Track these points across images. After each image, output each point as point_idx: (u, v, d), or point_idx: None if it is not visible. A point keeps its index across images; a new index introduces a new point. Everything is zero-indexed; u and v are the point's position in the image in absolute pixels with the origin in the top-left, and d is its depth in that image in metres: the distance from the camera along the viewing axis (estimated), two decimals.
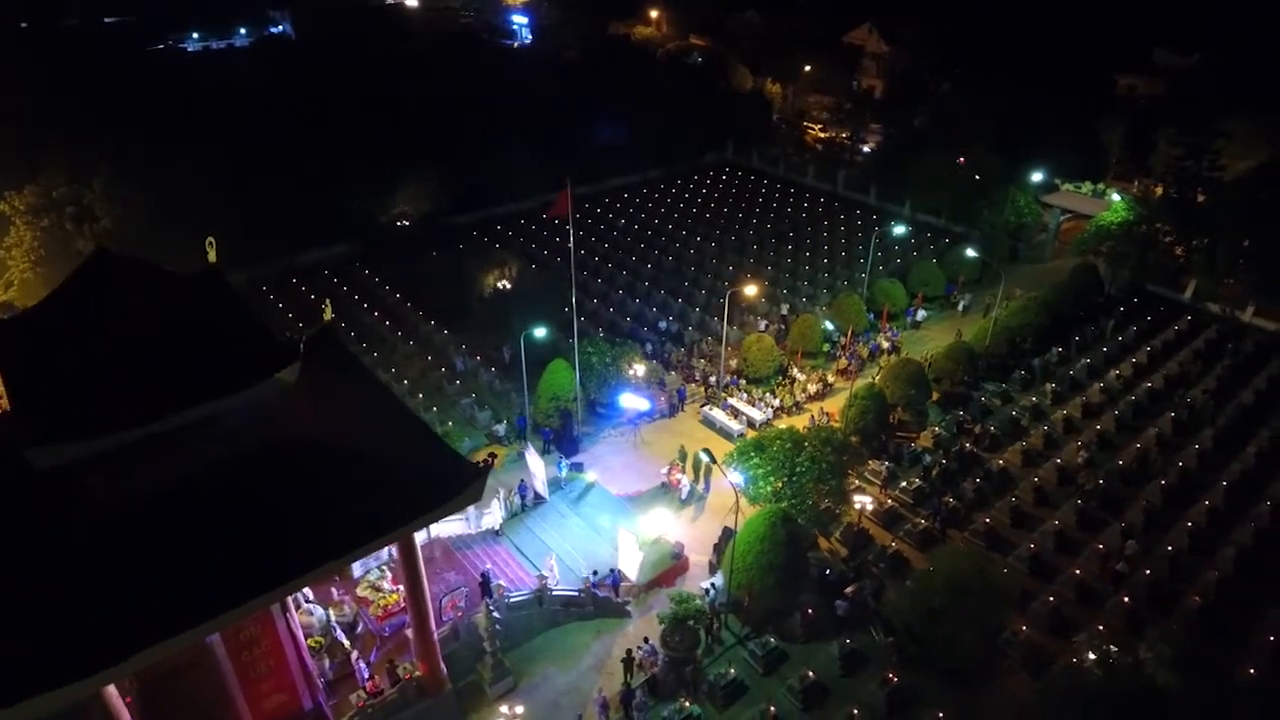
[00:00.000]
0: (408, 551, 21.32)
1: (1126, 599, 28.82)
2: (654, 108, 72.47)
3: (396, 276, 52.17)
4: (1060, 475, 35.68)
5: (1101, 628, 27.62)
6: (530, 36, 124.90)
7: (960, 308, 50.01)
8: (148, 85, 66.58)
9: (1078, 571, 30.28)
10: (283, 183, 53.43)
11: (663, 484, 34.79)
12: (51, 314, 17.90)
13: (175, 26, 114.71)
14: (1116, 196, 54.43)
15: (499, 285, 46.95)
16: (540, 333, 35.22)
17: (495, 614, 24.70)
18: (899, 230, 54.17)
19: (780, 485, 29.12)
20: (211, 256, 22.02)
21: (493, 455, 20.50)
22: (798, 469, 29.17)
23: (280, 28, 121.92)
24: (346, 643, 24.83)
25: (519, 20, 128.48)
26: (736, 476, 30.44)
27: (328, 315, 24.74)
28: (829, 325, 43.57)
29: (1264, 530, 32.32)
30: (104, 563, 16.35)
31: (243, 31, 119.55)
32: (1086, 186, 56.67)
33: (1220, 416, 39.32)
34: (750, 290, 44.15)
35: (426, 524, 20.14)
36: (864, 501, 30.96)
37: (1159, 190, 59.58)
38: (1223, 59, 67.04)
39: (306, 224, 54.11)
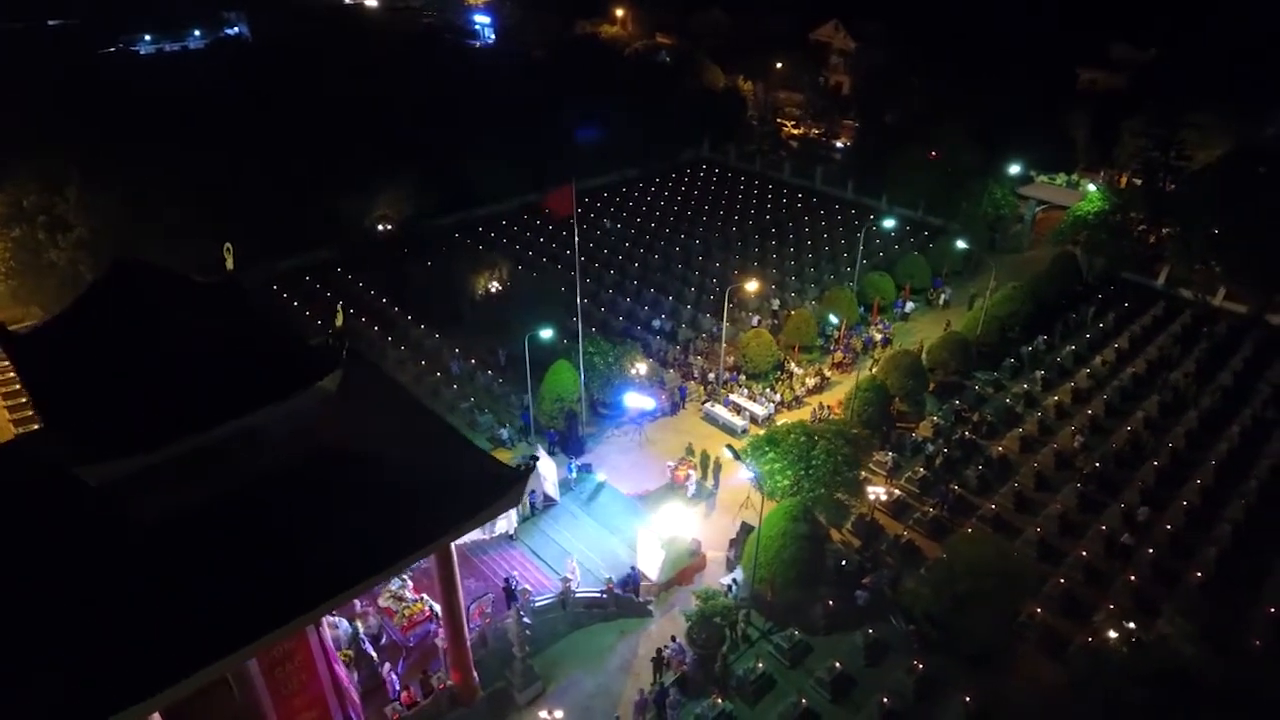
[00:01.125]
0: (444, 559, 20.95)
1: (1133, 578, 29.65)
2: (628, 107, 72.36)
3: (381, 281, 51.32)
4: (1058, 460, 36.53)
5: (1112, 607, 28.37)
6: (493, 36, 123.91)
7: (942, 301, 50.73)
8: (108, 89, 64.48)
9: (1084, 553, 31.01)
10: (259, 187, 52.17)
11: (668, 483, 34.65)
12: (76, 326, 17.16)
13: (125, 29, 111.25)
14: (1092, 187, 55.87)
15: (490, 287, 46.42)
16: (547, 334, 34.89)
17: (525, 619, 24.43)
18: (889, 223, 54.84)
19: (797, 479, 29.26)
20: (229, 263, 21.39)
21: (534, 458, 20.24)
22: (813, 462, 29.38)
23: (235, 29, 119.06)
24: (374, 655, 24.36)
25: (481, 20, 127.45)
26: (750, 472, 30.60)
27: (340, 321, 24.14)
28: (833, 319, 43.86)
29: (1254, 507, 33.49)
30: (147, 583, 15.78)
31: (197, 34, 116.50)
32: (1060, 178, 58.04)
33: (1203, 398, 40.63)
34: (752, 286, 44.19)
35: (469, 530, 19.81)
36: (877, 492, 31.31)
37: (1124, 180, 61.36)
38: (1181, 53, 69.03)
39: (286, 229, 52.86)
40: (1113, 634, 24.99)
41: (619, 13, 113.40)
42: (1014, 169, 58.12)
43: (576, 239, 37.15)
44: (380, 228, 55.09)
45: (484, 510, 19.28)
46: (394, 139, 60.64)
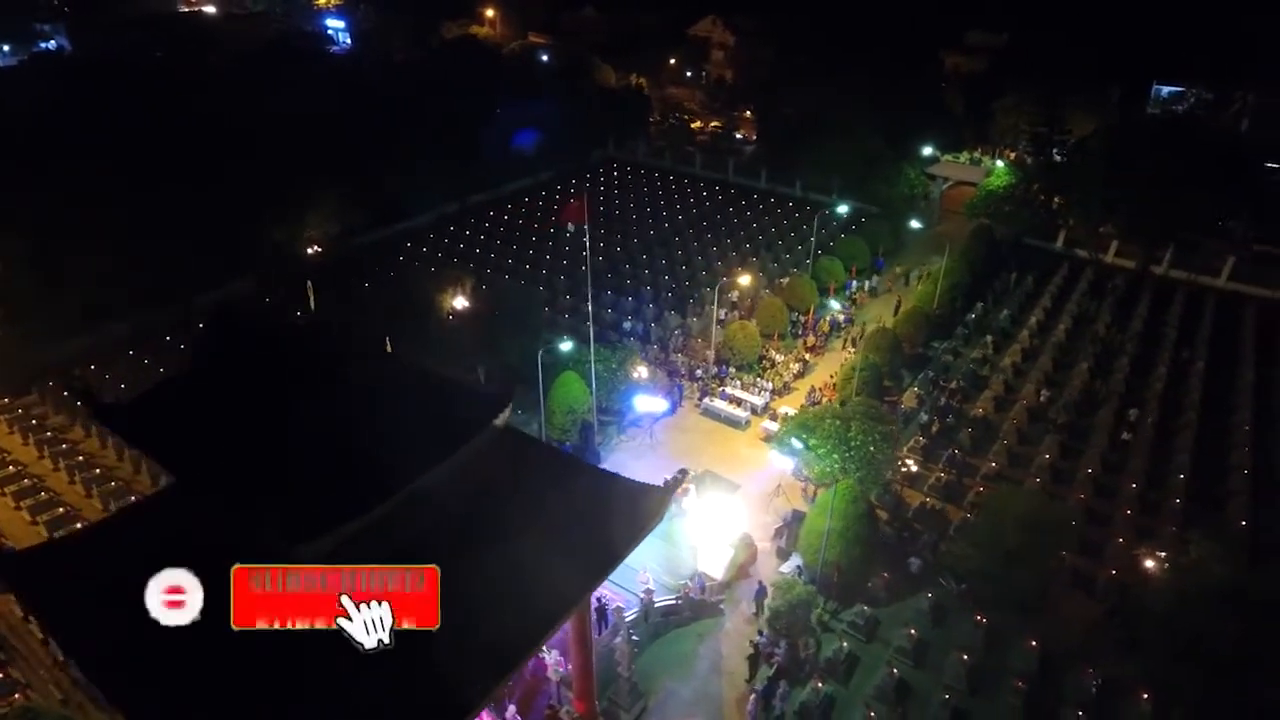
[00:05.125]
0: None
1: (1129, 512, 32.95)
2: (526, 109, 70.79)
3: (321, 307, 47.70)
4: (1030, 415, 39.79)
5: (1120, 540, 31.42)
6: (350, 40, 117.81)
7: (867, 287, 53.19)
8: None
9: (1082, 496, 34.08)
10: (152, 219, 46.58)
11: None
12: (206, 390, 15.19)
13: None
14: (1000, 163, 60.89)
15: (453, 304, 44.42)
16: (566, 346, 34.05)
17: (634, 637, 24.00)
18: (842, 209, 57.08)
19: (843, 461, 30.27)
20: (312, 303, 19.56)
21: (683, 471, 19.90)
22: (852, 443, 30.49)
23: (52, 43, 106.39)
24: None
25: (335, 24, 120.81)
26: (788, 461, 31.45)
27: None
28: (835, 305, 45.50)
29: (1199, 435, 38.03)
30: (367, 674, 14.27)
31: (5, 49, 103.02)
32: (965, 156, 62.79)
33: (1128, 344, 45.45)
34: (745, 280, 44.80)
35: (626, 554, 19.17)
36: (909, 464, 32.94)
37: (1010, 155, 67.19)
38: (1033, 39, 76.16)
39: (197, 261, 47.80)
40: (1149, 563, 27.69)
41: (488, 13, 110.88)
42: (927, 150, 62.17)
43: (588, 249, 36.37)
44: (311, 250, 51.20)
45: (643, 531, 18.79)
46: (291, 155, 56.05)
